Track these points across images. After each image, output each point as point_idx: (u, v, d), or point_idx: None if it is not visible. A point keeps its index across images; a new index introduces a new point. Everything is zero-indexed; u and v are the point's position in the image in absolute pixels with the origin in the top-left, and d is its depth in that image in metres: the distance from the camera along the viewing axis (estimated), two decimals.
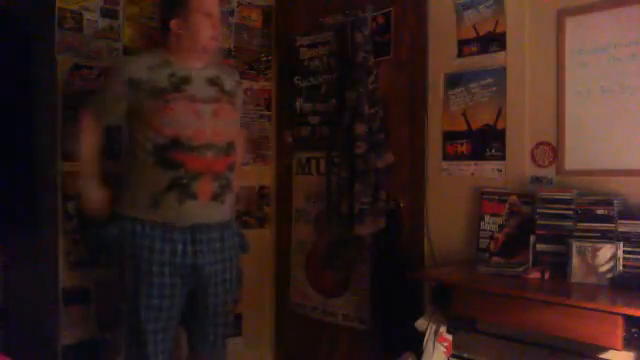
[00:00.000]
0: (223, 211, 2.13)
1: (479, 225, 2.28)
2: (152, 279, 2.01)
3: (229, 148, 2.12)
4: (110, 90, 2.12)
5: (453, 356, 2.09)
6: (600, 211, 1.95)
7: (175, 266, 2.03)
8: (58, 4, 2.40)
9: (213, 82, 2.14)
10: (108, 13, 2.55)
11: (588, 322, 1.65)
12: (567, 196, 2.02)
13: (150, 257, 2.01)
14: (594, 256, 1.87)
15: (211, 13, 2.11)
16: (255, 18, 3.16)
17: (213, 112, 2.08)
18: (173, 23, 2.09)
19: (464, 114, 2.43)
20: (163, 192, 2.00)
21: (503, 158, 2.32)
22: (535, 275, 1.96)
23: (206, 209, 2.07)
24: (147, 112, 2.02)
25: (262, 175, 3.20)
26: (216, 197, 2.08)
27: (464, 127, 2.43)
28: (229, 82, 2.21)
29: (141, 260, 2.01)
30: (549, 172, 2.19)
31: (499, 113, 2.33)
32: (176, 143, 2.00)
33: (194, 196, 2.02)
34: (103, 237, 2.08)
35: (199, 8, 2.08)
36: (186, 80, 2.07)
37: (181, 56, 2.10)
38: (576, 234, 1.97)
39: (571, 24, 2.13)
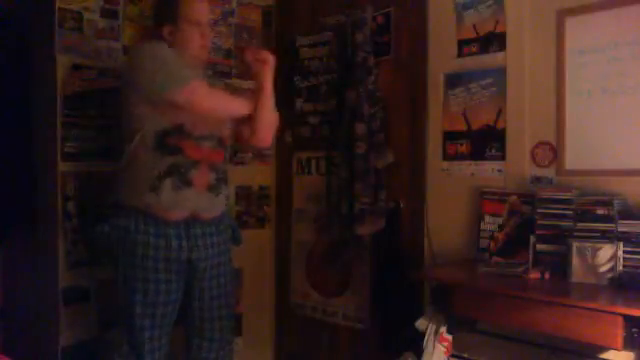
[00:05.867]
0: (218, 203, 2.17)
1: (479, 225, 2.28)
2: (147, 275, 2.03)
3: (222, 142, 2.19)
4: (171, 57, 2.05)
5: (453, 356, 2.09)
6: (600, 211, 1.95)
7: (170, 262, 2.05)
8: (58, 4, 2.40)
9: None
10: (108, 13, 2.54)
11: (588, 322, 1.65)
12: (567, 196, 2.02)
13: (145, 253, 2.02)
14: (594, 256, 1.87)
15: (200, 22, 2.15)
16: (255, 18, 3.15)
17: None
18: (165, 29, 2.13)
19: (464, 114, 2.43)
20: (161, 177, 2.01)
21: (503, 158, 2.31)
22: (535, 275, 1.96)
23: (201, 199, 2.08)
24: None
25: (262, 175, 3.20)
26: (212, 188, 2.11)
27: (464, 127, 2.43)
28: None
29: (135, 256, 2.03)
30: (549, 172, 2.19)
31: (499, 113, 2.33)
32: (180, 129, 2.03)
33: (190, 184, 2.04)
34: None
35: (189, 17, 2.12)
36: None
37: None
38: (576, 234, 1.97)
39: (571, 24, 2.13)
